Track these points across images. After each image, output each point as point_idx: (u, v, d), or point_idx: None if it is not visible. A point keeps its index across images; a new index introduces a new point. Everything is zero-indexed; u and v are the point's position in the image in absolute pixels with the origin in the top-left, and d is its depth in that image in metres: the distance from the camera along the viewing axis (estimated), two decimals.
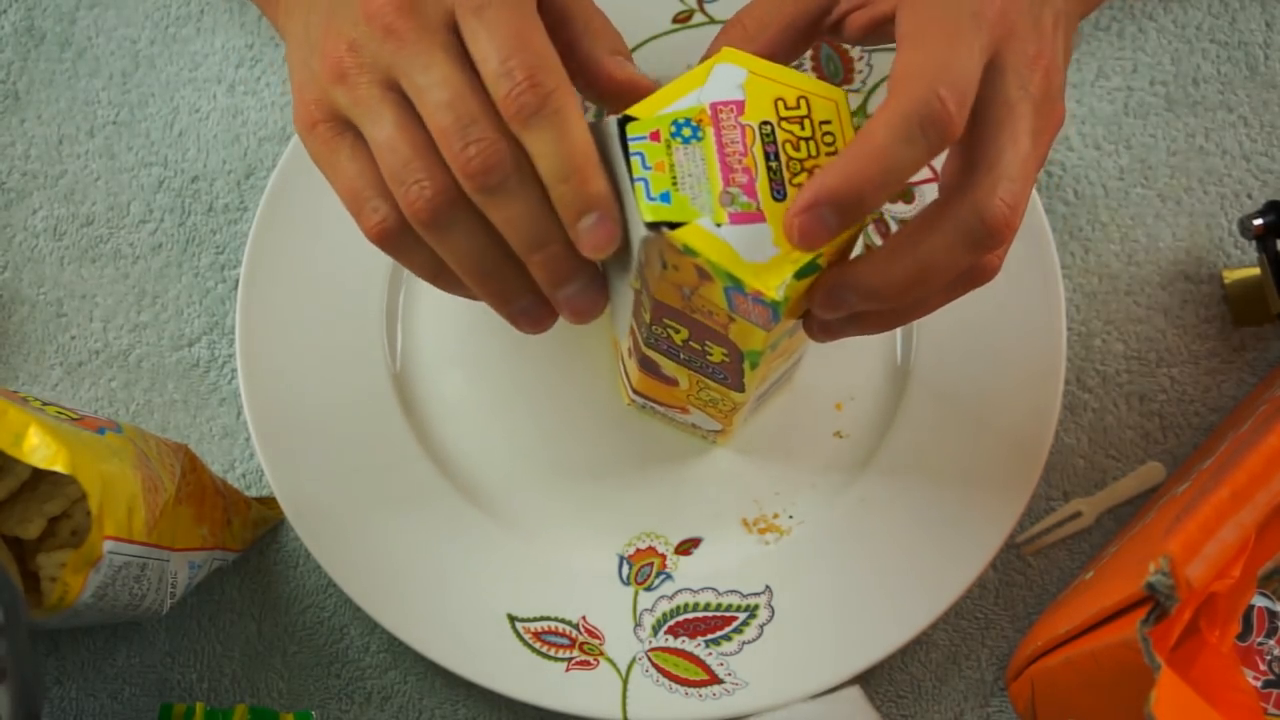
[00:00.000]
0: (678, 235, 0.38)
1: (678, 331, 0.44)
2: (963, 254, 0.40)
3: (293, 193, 0.57)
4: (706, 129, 0.40)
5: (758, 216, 0.39)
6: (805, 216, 0.38)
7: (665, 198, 0.39)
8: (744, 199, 0.39)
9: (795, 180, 0.39)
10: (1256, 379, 0.58)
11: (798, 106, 0.40)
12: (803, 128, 0.40)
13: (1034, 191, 0.57)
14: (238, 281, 0.58)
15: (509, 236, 0.40)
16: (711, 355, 0.45)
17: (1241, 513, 0.41)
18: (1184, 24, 0.61)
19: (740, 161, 0.39)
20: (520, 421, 0.57)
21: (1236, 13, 0.61)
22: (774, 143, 0.40)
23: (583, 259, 0.40)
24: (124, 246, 0.60)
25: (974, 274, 0.43)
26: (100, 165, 0.61)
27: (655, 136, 0.39)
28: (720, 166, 0.39)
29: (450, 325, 0.58)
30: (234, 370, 0.59)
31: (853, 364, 0.58)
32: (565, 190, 0.39)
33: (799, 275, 0.39)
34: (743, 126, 0.40)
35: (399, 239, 0.42)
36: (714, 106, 0.40)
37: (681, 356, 0.46)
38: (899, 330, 0.58)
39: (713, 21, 0.58)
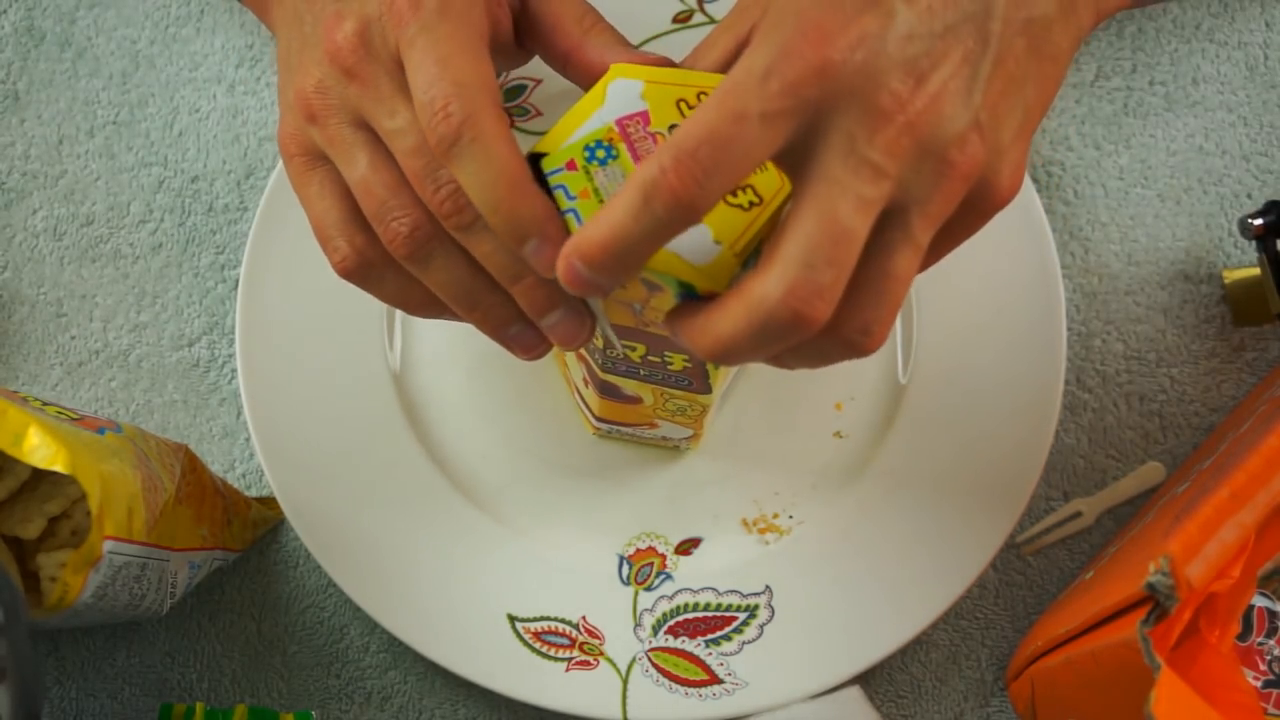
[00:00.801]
0: None
1: (634, 349, 0.44)
2: (762, 344, 0.35)
3: (293, 193, 0.57)
4: (620, 146, 0.39)
5: None
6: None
7: None
8: None
9: None
10: (1256, 379, 0.58)
11: (697, 103, 0.40)
12: None
13: (1034, 192, 0.57)
14: (238, 281, 0.58)
15: (489, 269, 0.40)
16: (672, 365, 0.44)
17: (1241, 513, 0.41)
18: (1184, 24, 0.61)
19: None
20: (520, 421, 0.57)
21: (1236, 13, 0.61)
22: None
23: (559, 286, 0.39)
24: (124, 246, 0.60)
25: (826, 351, 0.38)
26: (100, 165, 0.61)
27: (572, 165, 0.39)
28: None
29: (450, 325, 0.58)
30: (234, 370, 0.59)
31: (853, 365, 0.58)
32: (498, 221, 0.38)
33: (746, 265, 0.38)
34: (653, 135, 0.39)
35: (362, 274, 0.42)
36: (620, 123, 0.39)
37: (642, 373, 0.46)
38: (899, 331, 0.58)
39: (712, 21, 0.58)
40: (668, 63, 0.43)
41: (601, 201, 0.38)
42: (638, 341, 0.43)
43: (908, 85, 0.34)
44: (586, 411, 0.54)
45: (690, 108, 0.40)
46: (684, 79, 0.40)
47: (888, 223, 0.35)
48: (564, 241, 0.37)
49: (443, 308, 0.43)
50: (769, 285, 0.34)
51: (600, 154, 0.39)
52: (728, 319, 0.36)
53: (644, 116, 0.39)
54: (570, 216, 0.38)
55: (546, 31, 0.44)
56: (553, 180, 0.39)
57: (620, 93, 0.40)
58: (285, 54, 0.43)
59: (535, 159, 0.39)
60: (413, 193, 0.40)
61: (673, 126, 0.39)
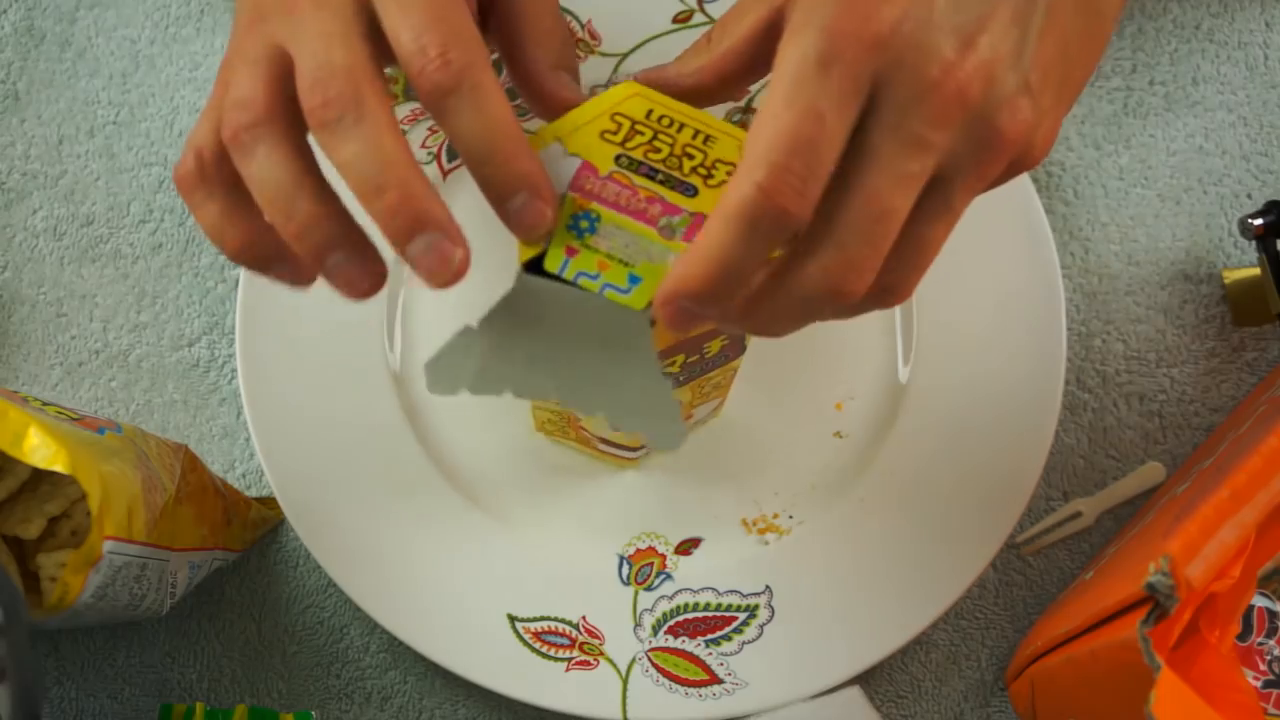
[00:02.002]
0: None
1: (673, 363, 0.44)
2: (750, 244, 0.34)
3: None
4: (592, 205, 0.38)
5: (699, 217, 0.38)
6: (666, 311, 0.35)
7: (634, 280, 0.38)
8: (676, 218, 0.38)
9: (687, 168, 0.39)
10: (1256, 379, 0.58)
11: (618, 125, 0.39)
12: (642, 134, 0.39)
13: (1034, 192, 0.57)
14: (237, 281, 0.58)
15: (349, 177, 0.36)
16: (710, 351, 0.44)
17: (1241, 513, 0.41)
18: (1184, 24, 0.61)
19: (639, 200, 0.38)
20: (520, 421, 0.57)
21: (1236, 13, 0.61)
22: (641, 163, 0.39)
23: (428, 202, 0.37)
24: (124, 246, 0.60)
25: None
26: (100, 165, 0.61)
27: (571, 251, 0.38)
28: (634, 218, 0.38)
29: (450, 325, 0.58)
30: (234, 370, 0.59)
31: (853, 364, 0.58)
32: (490, 172, 0.36)
33: None
34: (607, 178, 0.39)
35: (190, 183, 0.38)
36: (574, 187, 0.39)
37: (681, 379, 0.46)
38: (899, 331, 0.58)
39: (712, 21, 0.58)
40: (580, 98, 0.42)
41: (625, 263, 0.38)
42: (676, 354, 0.43)
43: (957, 51, 0.33)
44: (611, 449, 0.54)
45: (615, 131, 0.39)
46: (591, 110, 0.40)
47: (930, 191, 0.35)
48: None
49: (261, 246, 0.39)
50: (809, 269, 0.35)
51: (584, 224, 0.38)
52: (711, 231, 0.35)
53: (587, 166, 0.39)
54: (609, 292, 0.38)
55: (512, 37, 0.42)
56: (567, 274, 0.38)
57: (551, 161, 0.39)
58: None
59: (534, 266, 0.38)
60: (273, 92, 0.37)
61: (618, 158, 0.39)
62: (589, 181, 0.39)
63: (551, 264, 0.38)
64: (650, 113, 0.39)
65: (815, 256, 0.35)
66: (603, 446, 0.54)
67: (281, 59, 0.37)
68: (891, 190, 0.34)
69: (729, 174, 0.39)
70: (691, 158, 0.39)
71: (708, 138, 0.39)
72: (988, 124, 0.34)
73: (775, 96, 0.33)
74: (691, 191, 0.38)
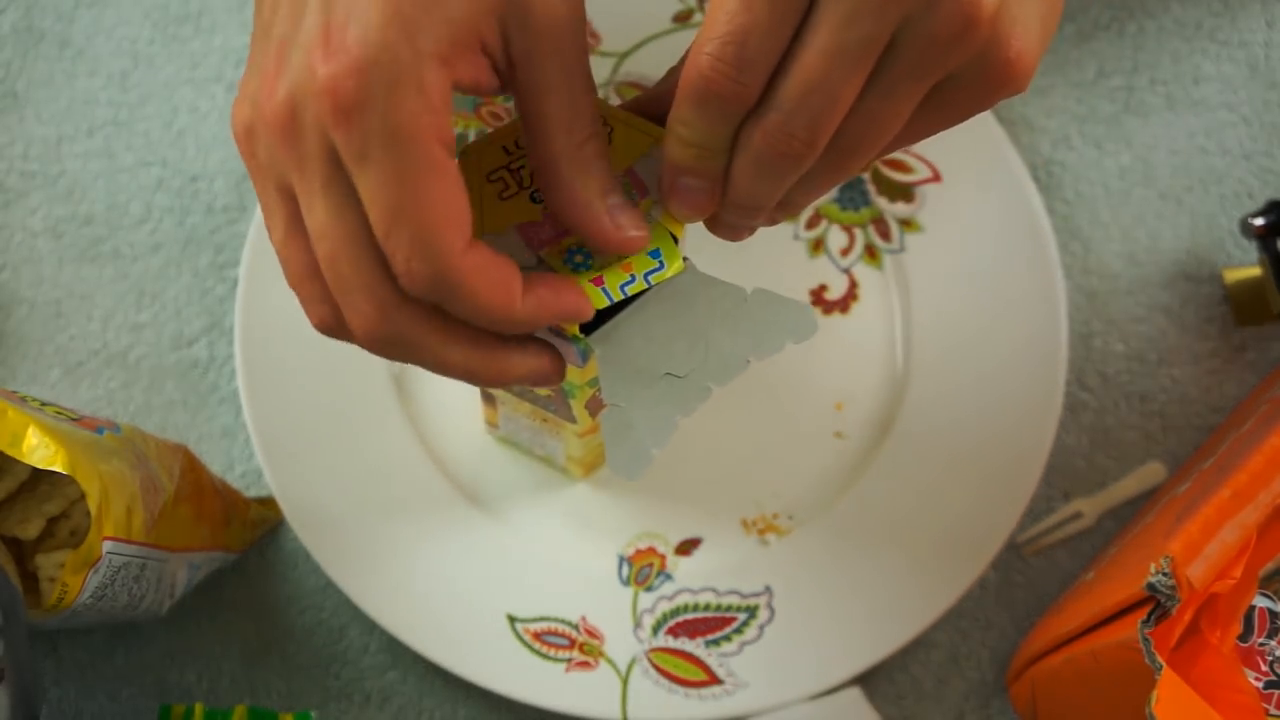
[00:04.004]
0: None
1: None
2: (764, 177, 0.36)
3: None
4: (563, 242, 0.38)
5: (630, 172, 0.39)
6: (673, 195, 0.37)
7: (655, 254, 0.38)
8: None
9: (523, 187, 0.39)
10: (1257, 379, 0.58)
11: (508, 157, 0.39)
12: (514, 157, 0.39)
13: (1034, 192, 0.57)
14: (237, 281, 0.58)
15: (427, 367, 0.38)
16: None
17: (1243, 513, 0.41)
18: (1184, 23, 0.61)
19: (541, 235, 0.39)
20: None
21: (1237, 12, 0.61)
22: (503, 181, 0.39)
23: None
24: (123, 246, 0.60)
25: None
26: (99, 165, 0.61)
27: (597, 281, 0.38)
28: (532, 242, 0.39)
29: None
30: (234, 370, 0.59)
31: (853, 364, 0.58)
32: (478, 373, 0.37)
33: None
34: (544, 219, 0.39)
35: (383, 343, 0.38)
36: (534, 248, 0.39)
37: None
38: (899, 331, 0.58)
39: None
40: None
41: (627, 267, 0.38)
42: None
43: None
44: (566, 459, 0.55)
45: (509, 151, 0.39)
46: (485, 164, 0.40)
47: (879, 67, 0.34)
48: (560, 371, 0.38)
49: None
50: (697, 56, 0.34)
51: (578, 258, 0.39)
52: (674, 111, 0.36)
53: (524, 228, 0.39)
54: (654, 276, 0.38)
55: (530, 125, 0.37)
56: (615, 297, 0.38)
57: (508, 249, 0.38)
58: (255, 32, 0.37)
59: (586, 326, 0.39)
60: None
61: (535, 194, 0.39)
62: (536, 234, 0.39)
63: (599, 304, 0.38)
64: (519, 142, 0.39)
65: (759, 117, 0.35)
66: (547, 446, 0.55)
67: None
68: (828, 59, 0.33)
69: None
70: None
71: (611, 129, 0.39)
72: None
73: None
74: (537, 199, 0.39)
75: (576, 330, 0.38)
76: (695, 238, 0.40)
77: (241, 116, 0.36)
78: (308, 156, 0.34)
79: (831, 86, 0.34)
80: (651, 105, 0.39)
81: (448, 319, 0.36)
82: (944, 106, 0.36)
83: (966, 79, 0.35)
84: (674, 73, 0.39)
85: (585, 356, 0.39)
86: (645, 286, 0.38)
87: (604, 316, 0.39)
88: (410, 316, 0.36)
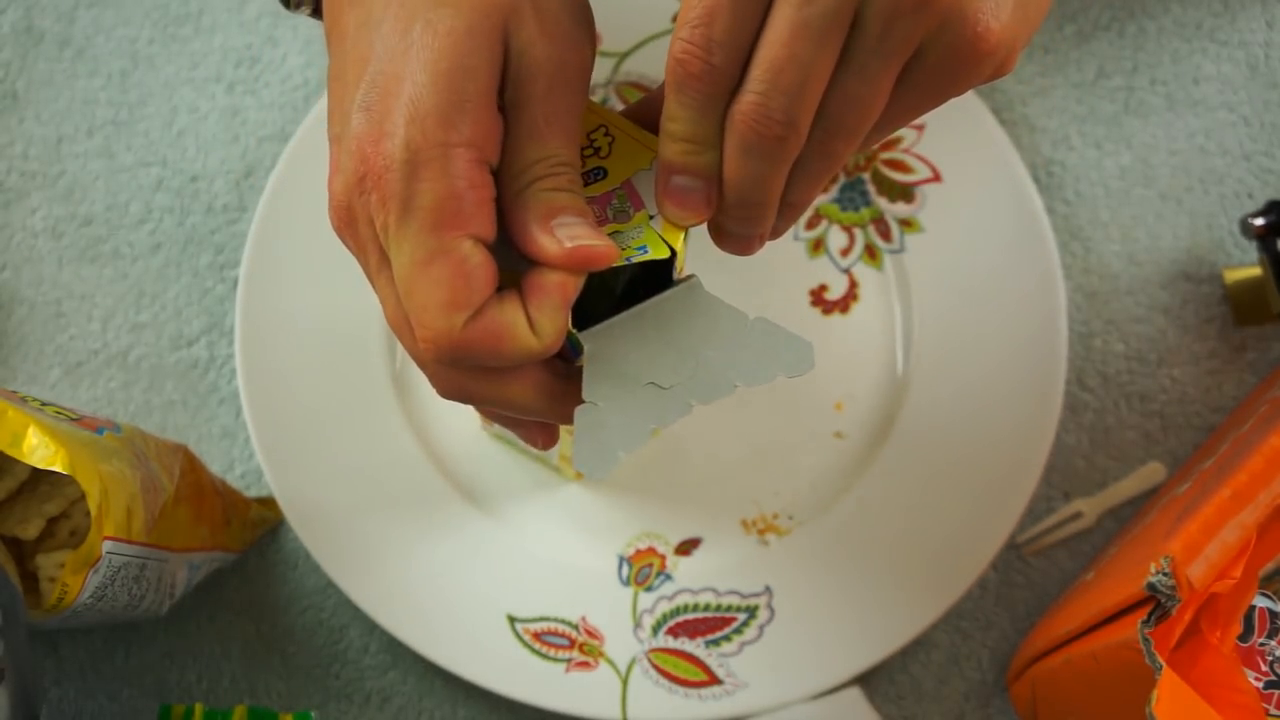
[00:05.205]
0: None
1: None
2: (749, 159, 0.36)
3: (293, 193, 0.57)
4: (621, 197, 0.39)
5: (626, 184, 0.39)
6: (668, 195, 0.37)
7: (642, 249, 0.38)
8: (615, 200, 0.39)
9: (590, 165, 0.39)
10: (1257, 379, 0.58)
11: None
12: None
13: (1034, 192, 0.57)
14: (237, 281, 0.58)
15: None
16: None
17: (1243, 513, 0.41)
18: (1185, 23, 0.61)
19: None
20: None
21: (1237, 12, 0.61)
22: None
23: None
24: (123, 246, 0.60)
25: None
26: (99, 165, 0.61)
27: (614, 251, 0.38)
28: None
29: None
30: (233, 370, 0.59)
31: (853, 364, 0.58)
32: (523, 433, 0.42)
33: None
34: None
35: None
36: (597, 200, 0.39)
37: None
38: (899, 331, 0.58)
39: None
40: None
41: (623, 249, 0.38)
42: None
43: None
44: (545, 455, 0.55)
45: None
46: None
47: (848, 45, 0.35)
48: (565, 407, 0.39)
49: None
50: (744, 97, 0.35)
51: (615, 202, 0.39)
52: (665, 105, 0.36)
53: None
54: (638, 256, 0.38)
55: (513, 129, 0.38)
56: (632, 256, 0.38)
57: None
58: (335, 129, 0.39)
59: (579, 320, 0.39)
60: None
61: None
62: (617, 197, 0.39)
63: (623, 258, 0.38)
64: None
65: (737, 101, 0.35)
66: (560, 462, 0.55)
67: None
68: (793, 36, 0.34)
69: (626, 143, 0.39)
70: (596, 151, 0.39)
71: (613, 139, 0.39)
72: None
73: None
74: (602, 174, 0.39)
75: (570, 325, 0.38)
76: (698, 244, 0.40)
77: (332, 195, 0.39)
78: (365, 248, 0.38)
79: (800, 63, 0.34)
80: (653, 110, 0.39)
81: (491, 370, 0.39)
82: (920, 86, 0.36)
83: (935, 55, 0.35)
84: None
85: (577, 350, 0.39)
86: (624, 260, 0.38)
87: (601, 315, 0.39)
88: (453, 373, 0.38)
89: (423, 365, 0.39)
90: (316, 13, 0.45)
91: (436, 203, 0.36)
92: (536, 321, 0.37)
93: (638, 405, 0.39)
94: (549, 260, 0.37)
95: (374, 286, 0.39)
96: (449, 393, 0.39)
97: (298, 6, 0.45)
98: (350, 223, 0.38)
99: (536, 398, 0.39)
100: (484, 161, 0.36)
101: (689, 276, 0.39)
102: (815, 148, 0.36)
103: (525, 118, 0.37)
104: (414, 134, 0.35)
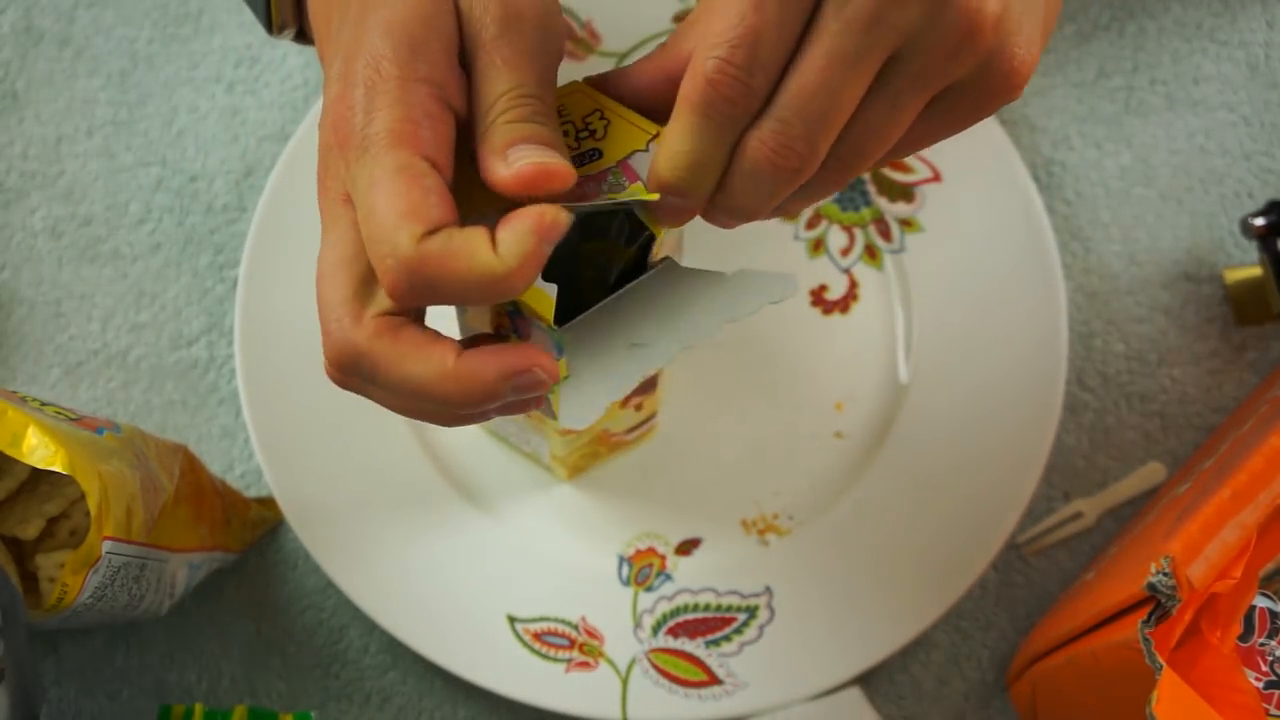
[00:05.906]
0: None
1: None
2: (759, 189, 0.36)
3: (292, 192, 0.57)
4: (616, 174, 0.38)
5: (623, 164, 0.38)
6: (658, 207, 0.36)
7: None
8: (610, 177, 0.38)
9: (586, 147, 0.39)
10: (1258, 379, 0.58)
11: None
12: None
13: (1034, 192, 0.57)
14: (236, 281, 0.58)
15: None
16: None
17: (1243, 513, 0.41)
18: (1185, 23, 0.61)
19: (575, 191, 0.38)
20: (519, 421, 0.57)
21: (1237, 12, 0.61)
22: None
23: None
24: (122, 246, 0.60)
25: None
26: (99, 165, 0.61)
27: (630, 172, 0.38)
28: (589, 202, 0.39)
29: (450, 325, 0.58)
30: (233, 370, 0.59)
31: (853, 364, 0.58)
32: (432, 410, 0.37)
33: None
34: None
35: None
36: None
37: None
38: (899, 331, 0.58)
39: None
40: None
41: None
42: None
43: None
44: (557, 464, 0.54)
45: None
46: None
47: (881, 75, 0.34)
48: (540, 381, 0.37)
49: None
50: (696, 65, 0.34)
51: (611, 178, 0.38)
52: (673, 122, 0.35)
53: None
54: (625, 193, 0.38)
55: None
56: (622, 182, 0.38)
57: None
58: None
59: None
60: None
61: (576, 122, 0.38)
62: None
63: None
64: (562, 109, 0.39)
65: (756, 128, 0.34)
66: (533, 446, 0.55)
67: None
68: (829, 66, 0.33)
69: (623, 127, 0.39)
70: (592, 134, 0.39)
71: (608, 123, 0.39)
72: (949, 3, 0.33)
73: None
74: (596, 155, 0.38)
75: (550, 320, 0.37)
76: (694, 233, 0.40)
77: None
78: (333, 202, 0.37)
79: (830, 91, 0.33)
80: (620, 86, 0.39)
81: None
82: (945, 114, 0.36)
83: (969, 87, 0.35)
84: (648, 61, 0.38)
85: (560, 349, 0.39)
86: (607, 202, 0.37)
87: (578, 310, 0.38)
88: (357, 329, 0.36)
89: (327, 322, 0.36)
90: (300, 37, 0.45)
91: (392, 125, 0.35)
92: (501, 240, 0.34)
93: (621, 362, 0.38)
94: (500, 183, 0.35)
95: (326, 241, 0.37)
96: (340, 354, 0.36)
97: (281, 31, 0.44)
98: (322, 181, 0.37)
99: (439, 380, 0.35)
100: (443, 99, 0.36)
101: (664, 259, 0.39)
102: (826, 173, 0.36)
103: (480, 64, 0.36)
104: (370, 74, 0.35)
